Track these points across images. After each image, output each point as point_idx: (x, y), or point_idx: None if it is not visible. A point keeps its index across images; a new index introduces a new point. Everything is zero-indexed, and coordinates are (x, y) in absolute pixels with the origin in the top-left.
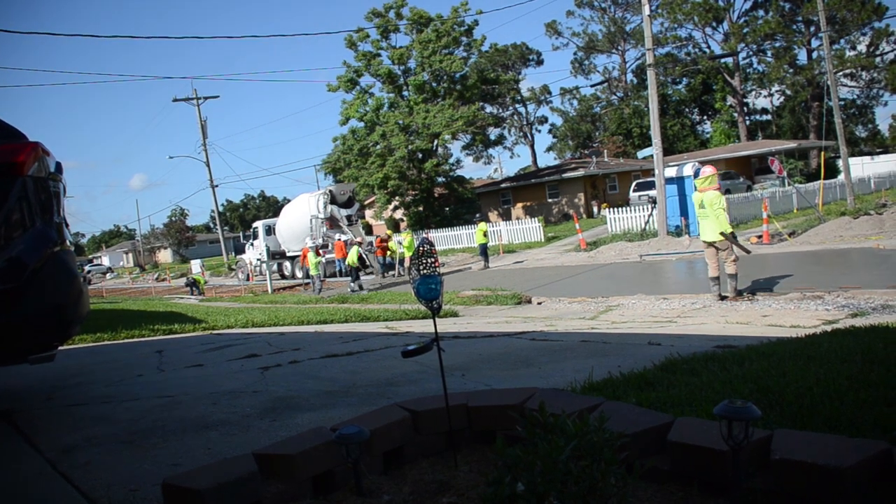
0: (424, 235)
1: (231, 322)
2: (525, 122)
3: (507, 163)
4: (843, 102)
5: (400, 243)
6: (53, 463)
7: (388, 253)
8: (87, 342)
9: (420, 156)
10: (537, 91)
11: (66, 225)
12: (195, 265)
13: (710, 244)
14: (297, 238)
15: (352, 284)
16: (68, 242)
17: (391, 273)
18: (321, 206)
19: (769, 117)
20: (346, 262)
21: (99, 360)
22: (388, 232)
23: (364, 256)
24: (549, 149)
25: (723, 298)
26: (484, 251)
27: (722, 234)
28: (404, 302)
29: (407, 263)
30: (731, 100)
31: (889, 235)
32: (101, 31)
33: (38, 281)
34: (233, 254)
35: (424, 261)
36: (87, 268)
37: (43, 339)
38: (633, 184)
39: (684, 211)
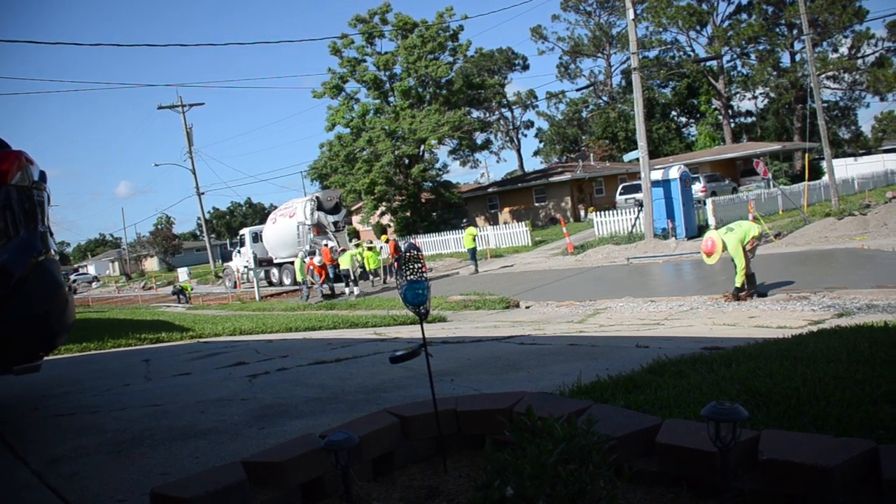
0: (412, 241)
1: (219, 330)
2: (511, 127)
3: (493, 167)
4: (826, 104)
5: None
6: (40, 474)
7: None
8: (74, 352)
9: (407, 161)
10: (523, 95)
11: (51, 234)
12: (182, 273)
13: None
14: (284, 245)
15: (353, 289)
16: (53, 251)
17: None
18: (308, 213)
19: (754, 119)
20: (342, 267)
21: (86, 370)
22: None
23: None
24: (536, 153)
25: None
26: (473, 255)
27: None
28: (392, 308)
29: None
30: (715, 102)
31: (873, 236)
32: (86, 39)
33: (22, 290)
34: (220, 261)
35: (411, 266)
36: (72, 277)
37: (28, 350)
38: (620, 187)
39: (671, 213)
